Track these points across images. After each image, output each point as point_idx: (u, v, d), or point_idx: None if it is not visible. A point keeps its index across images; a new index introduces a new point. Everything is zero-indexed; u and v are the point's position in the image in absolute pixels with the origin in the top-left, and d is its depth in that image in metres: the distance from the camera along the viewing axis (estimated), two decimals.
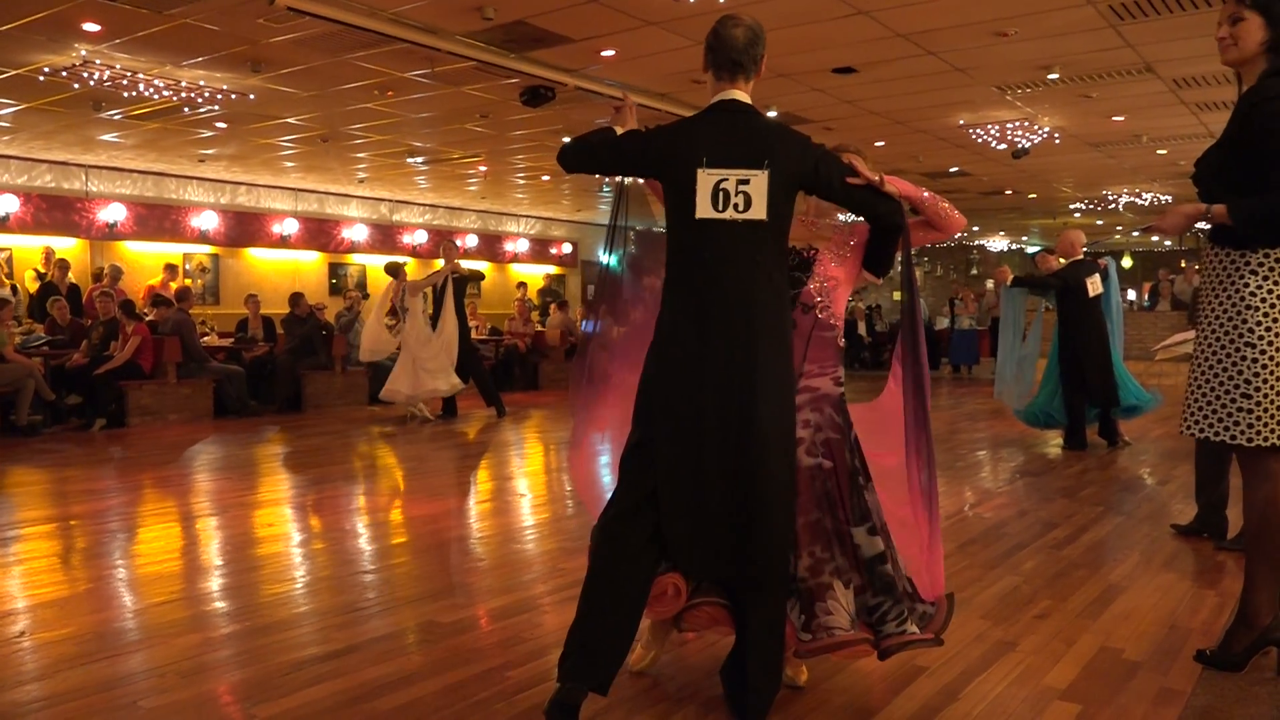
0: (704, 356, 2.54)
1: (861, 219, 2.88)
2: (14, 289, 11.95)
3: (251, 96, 9.57)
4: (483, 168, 14.39)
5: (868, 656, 2.77)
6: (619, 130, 2.75)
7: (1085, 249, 8.00)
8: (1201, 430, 3.02)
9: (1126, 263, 26.61)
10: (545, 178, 15.30)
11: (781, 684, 2.84)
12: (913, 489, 2.75)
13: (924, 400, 2.74)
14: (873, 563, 2.73)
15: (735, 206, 2.52)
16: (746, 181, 2.51)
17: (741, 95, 2.64)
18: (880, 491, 2.83)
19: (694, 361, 2.54)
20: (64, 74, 8.54)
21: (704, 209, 2.52)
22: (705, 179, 2.52)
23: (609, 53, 8.10)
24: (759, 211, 2.53)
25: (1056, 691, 2.92)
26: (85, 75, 8.51)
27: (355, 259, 17.85)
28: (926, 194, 2.83)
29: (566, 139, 2.80)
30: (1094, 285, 7.59)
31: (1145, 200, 17.25)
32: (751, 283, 2.55)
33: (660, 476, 2.55)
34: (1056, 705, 2.82)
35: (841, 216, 3.02)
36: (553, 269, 22.25)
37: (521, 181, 15.91)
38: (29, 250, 13.24)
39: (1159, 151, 12.82)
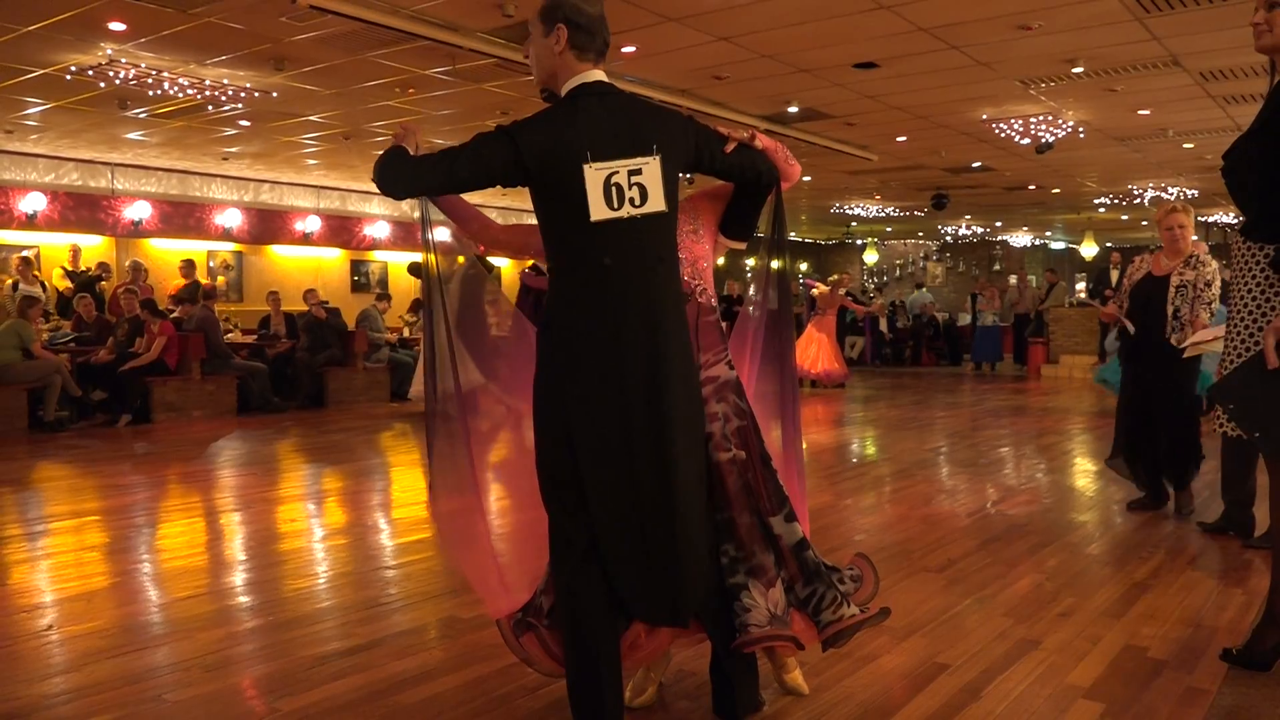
0: (624, 375, 2.29)
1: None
2: (43, 285, 12.13)
3: (274, 94, 9.63)
4: None
5: (804, 650, 2.64)
6: (411, 151, 2.40)
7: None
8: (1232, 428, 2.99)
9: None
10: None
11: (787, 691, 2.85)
12: (787, 452, 2.77)
13: (792, 363, 2.80)
14: (796, 550, 2.60)
15: (631, 201, 2.27)
16: (638, 171, 2.27)
17: (604, 76, 2.38)
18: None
19: (614, 382, 2.29)
20: (90, 73, 8.62)
21: (599, 210, 2.25)
22: (594, 176, 2.25)
23: (629, 49, 8.09)
24: (657, 203, 2.29)
25: (1080, 690, 2.90)
26: (111, 74, 8.58)
27: (377, 255, 17.94)
28: (777, 146, 2.69)
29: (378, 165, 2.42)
30: None
31: (1171, 195, 17.06)
32: (659, 284, 2.33)
33: (597, 514, 2.32)
34: (1080, 704, 2.80)
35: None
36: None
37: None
38: (56, 248, 13.40)
39: (1185, 145, 12.67)
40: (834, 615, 2.58)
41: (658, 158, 2.30)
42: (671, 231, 2.40)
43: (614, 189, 2.26)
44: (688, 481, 2.36)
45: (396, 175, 2.34)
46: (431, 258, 2.62)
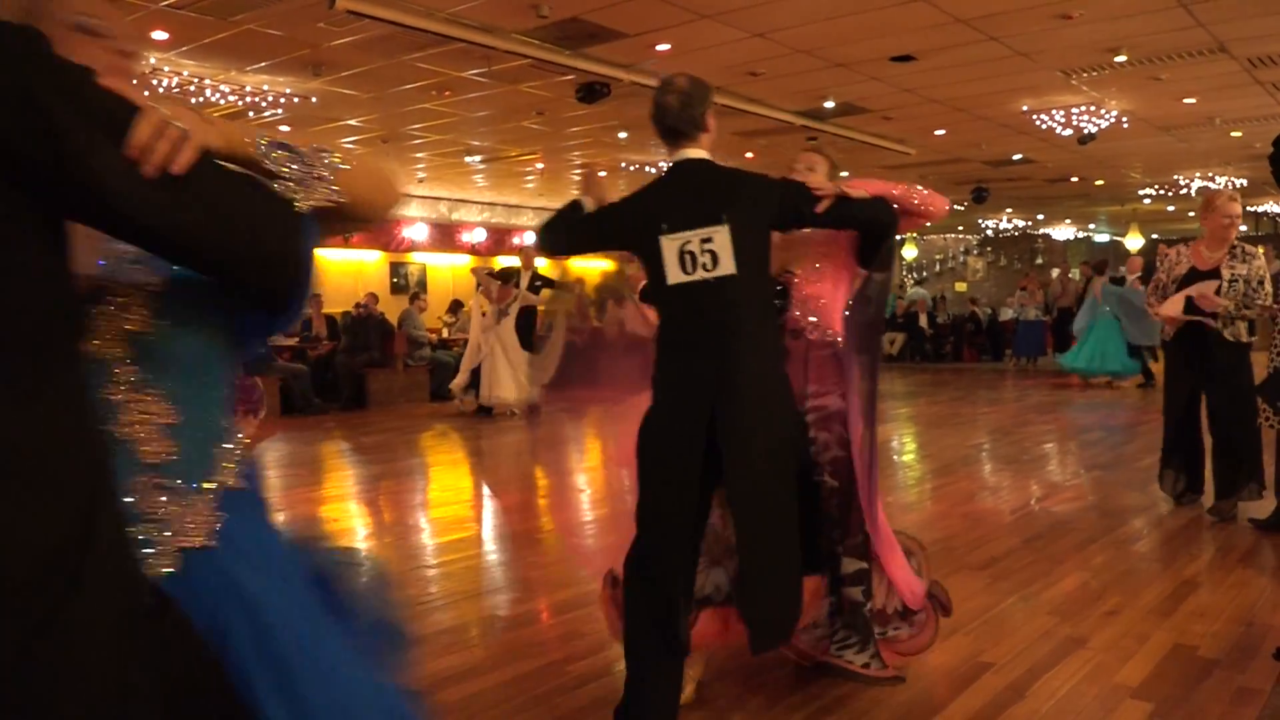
0: (687, 418, 2.48)
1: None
2: None
3: (314, 99, 9.75)
4: (540, 165, 14.47)
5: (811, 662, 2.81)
6: (588, 203, 2.76)
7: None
8: None
9: None
10: (602, 174, 15.30)
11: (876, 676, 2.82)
12: (864, 450, 2.79)
13: (875, 398, 2.83)
14: (849, 582, 2.75)
15: (703, 266, 2.49)
16: (709, 240, 2.48)
17: (696, 152, 2.60)
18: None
19: (680, 425, 2.50)
20: (134, 82, 8.79)
21: (674, 275, 2.52)
22: (669, 245, 2.51)
23: (664, 47, 8.08)
24: (727, 267, 2.49)
25: (1128, 690, 2.85)
26: (155, 82, 8.74)
27: (415, 257, 18.09)
28: (897, 189, 2.75)
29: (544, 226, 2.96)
30: None
31: (1219, 184, 16.71)
32: (729, 338, 2.50)
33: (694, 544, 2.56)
34: (1128, 704, 2.75)
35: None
36: (608, 264, 22.34)
37: (578, 177, 15.87)
38: None
39: (1233, 134, 12.40)
40: (847, 657, 2.74)
41: (727, 226, 2.48)
42: (744, 292, 2.53)
43: (688, 256, 2.50)
44: (769, 507, 2.48)
45: (554, 239, 2.90)
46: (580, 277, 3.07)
